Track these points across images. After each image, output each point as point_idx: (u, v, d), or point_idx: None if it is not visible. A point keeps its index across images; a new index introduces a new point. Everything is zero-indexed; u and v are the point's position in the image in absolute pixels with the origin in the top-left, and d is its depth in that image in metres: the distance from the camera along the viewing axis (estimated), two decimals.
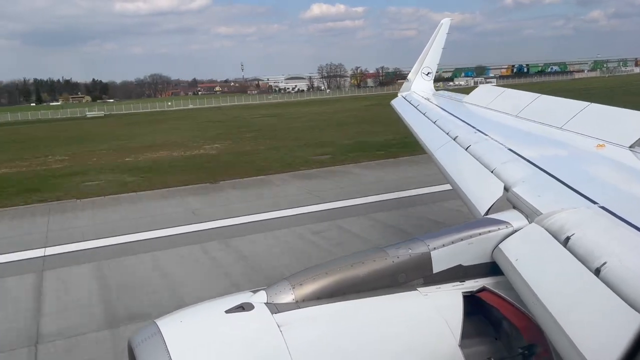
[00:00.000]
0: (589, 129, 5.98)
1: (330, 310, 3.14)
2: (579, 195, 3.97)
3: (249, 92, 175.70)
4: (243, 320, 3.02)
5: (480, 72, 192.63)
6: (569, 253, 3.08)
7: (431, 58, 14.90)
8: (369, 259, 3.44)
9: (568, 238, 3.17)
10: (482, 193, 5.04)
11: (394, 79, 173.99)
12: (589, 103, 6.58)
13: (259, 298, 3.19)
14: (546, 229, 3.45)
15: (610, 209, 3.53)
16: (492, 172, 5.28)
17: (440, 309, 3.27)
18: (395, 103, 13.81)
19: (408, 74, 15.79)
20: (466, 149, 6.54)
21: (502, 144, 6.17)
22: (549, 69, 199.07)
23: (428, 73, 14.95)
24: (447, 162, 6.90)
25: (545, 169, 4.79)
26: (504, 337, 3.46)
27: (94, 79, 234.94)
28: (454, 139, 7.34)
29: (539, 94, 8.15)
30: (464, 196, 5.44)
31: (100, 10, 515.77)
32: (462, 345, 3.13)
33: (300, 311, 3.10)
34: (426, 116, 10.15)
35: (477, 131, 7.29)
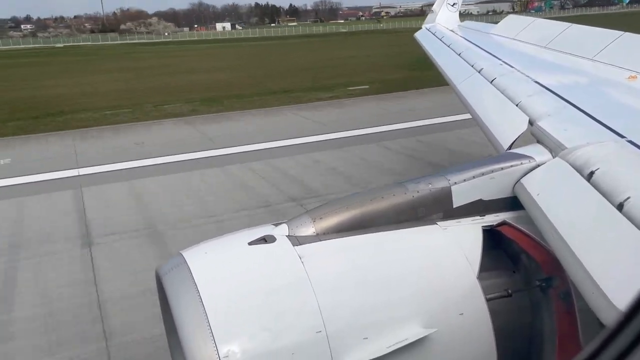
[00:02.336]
0: (621, 59, 5.74)
1: (350, 242, 3.20)
2: (606, 129, 3.87)
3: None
4: (265, 252, 3.10)
5: None
6: (593, 188, 3.04)
7: None
8: (389, 194, 3.45)
9: (592, 172, 3.12)
10: (505, 127, 4.94)
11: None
12: (622, 32, 6.28)
13: (281, 231, 3.25)
14: (570, 164, 3.40)
15: (638, 143, 3.45)
16: (517, 105, 5.16)
17: (459, 242, 3.30)
18: (419, 35, 13.37)
19: None
20: (491, 82, 6.36)
21: (528, 76, 5.98)
22: None
23: (454, 4, 14.36)
24: (471, 96, 6.75)
25: (572, 102, 4.66)
26: (522, 270, 3.49)
27: (290, 4, 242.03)
28: (479, 72, 7.14)
29: (570, 24, 7.80)
30: (487, 130, 5.35)
31: None
32: (480, 278, 3.18)
33: (321, 243, 3.17)
34: (451, 48, 9.84)
35: (503, 63, 7.07)
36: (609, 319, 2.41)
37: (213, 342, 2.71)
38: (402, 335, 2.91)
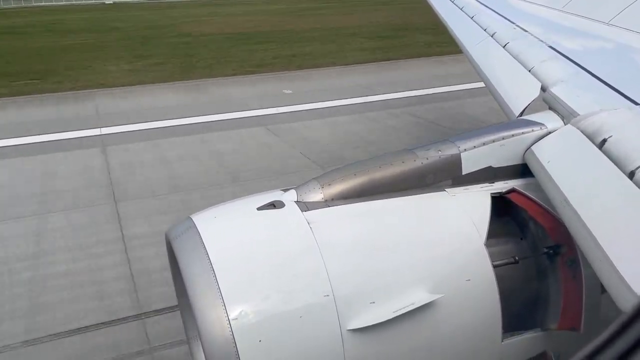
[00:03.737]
0: (638, 23, 5.59)
1: (359, 208, 3.21)
2: (621, 96, 3.80)
3: None
4: (274, 217, 3.13)
5: None
6: (604, 156, 3.01)
7: None
8: (398, 160, 3.44)
9: (604, 140, 3.09)
10: (517, 93, 4.87)
11: None
12: None
13: (290, 196, 3.27)
14: (582, 131, 3.36)
15: None
16: (529, 71, 5.07)
17: (467, 209, 3.30)
18: None
19: None
20: (504, 47, 6.24)
21: (542, 41, 5.86)
22: None
23: None
24: (483, 60, 6.63)
25: (586, 68, 4.57)
26: (529, 237, 3.50)
27: None
28: (492, 36, 6.99)
29: None
30: (499, 96, 5.28)
31: None
32: (487, 244, 3.19)
33: (329, 209, 3.18)
34: (463, 11, 9.62)
35: (516, 27, 6.91)
36: (616, 287, 2.43)
37: (223, 304, 2.77)
38: (408, 300, 2.95)
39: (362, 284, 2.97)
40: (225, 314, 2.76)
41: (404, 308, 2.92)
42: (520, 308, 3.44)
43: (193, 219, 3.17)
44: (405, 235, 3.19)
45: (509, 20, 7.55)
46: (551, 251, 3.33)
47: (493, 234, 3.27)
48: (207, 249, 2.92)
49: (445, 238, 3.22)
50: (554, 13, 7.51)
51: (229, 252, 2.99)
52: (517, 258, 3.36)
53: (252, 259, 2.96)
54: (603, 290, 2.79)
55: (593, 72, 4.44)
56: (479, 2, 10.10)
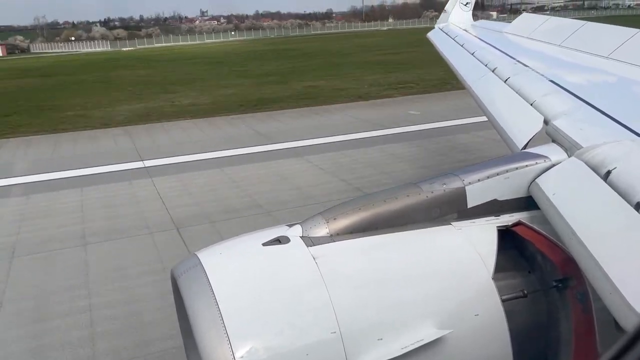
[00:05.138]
0: (637, 57, 5.67)
1: (364, 243, 3.20)
2: (623, 128, 3.83)
3: None
4: (279, 253, 3.11)
5: None
6: (609, 187, 3.00)
7: None
8: (403, 194, 3.44)
9: (609, 172, 3.09)
10: (520, 127, 4.90)
11: None
12: (638, 30, 6.20)
13: (295, 232, 3.26)
14: (586, 163, 3.36)
15: None
16: (531, 104, 5.12)
17: (473, 243, 3.28)
18: (432, 35, 13.35)
19: None
20: (505, 81, 6.32)
21: (543, 75, 5.94)
22: None
23: (467, 3, 14.29)
24: (485, 95, 6.71)
25: (588, 101, 4.61)
26: (537, 271, 3.46)
27: None
28: (493, 71, 7.10)
29: (585, 22, 7.72)
30: (502, 130, 5.32)
31: None
32: (495, 278, 3.16)
33: (334, 244, 3.17)
34: (464, 48, 9.80)
35: (517, 62, 7.02)
36: (627, 319, 2.39)
37: (228, 343, 2.73)
38: (417, 336, 2.90)
39: (369, 320, 2.93)
40: (231, 352, 2.72)
41: (412, 344, 2.87)
42: (532, 344, 3.37)
43: (198, 255, 3.16)
44: (411, 270, 3.16)
45: (509, 55, 7.68)
46: (560, 284, 3.29)
47: (500, 267, 3.24)
48: (213, 286, 2.90)
49: (452, 272, 3.19)
50: (554, 48, 7.63)
51: (234, 289, 2.97)
52: (525, 292, 3.31)
53: (258, 296, 2.93)
54: (619, 327, 2.73)
55: (594, 104, 4.47)
56: (479, 38, 10.30)
